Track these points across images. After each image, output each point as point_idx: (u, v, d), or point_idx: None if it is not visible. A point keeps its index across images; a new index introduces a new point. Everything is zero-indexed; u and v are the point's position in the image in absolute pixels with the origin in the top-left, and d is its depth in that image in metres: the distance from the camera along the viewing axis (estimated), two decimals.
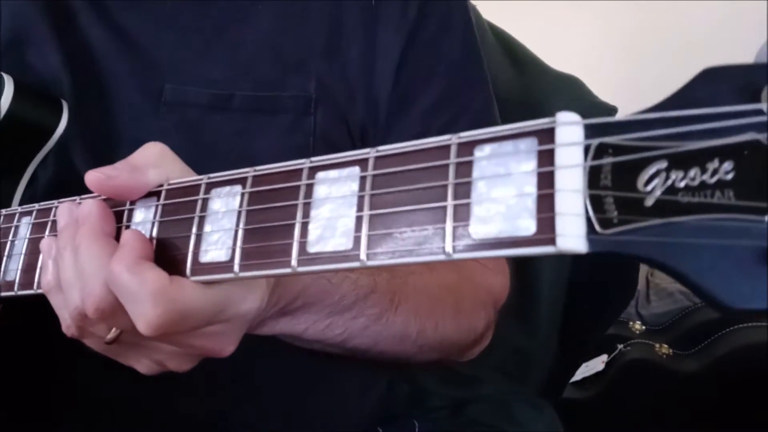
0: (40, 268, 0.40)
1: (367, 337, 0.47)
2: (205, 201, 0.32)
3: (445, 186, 0.21)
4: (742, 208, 0.16)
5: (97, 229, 0.35)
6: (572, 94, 0.81)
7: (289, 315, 0.41)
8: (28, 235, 0.44)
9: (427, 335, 0.50)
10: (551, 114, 0.76)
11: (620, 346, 1.21)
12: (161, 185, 0.35)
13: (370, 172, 0.24)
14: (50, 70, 0.56)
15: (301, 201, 0.27)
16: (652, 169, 0.17)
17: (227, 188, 0.32)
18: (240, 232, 0.29)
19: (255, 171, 0.30)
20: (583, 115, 0.76)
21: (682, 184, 0.17)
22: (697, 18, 1.76)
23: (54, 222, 0.41)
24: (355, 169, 0.25)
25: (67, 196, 0.44)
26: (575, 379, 1.18)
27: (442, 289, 0.52)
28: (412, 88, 0.56)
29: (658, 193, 0.17)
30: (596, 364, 1.18)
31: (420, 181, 0.22)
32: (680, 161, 0.17)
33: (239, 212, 0.30)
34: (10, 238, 0.45)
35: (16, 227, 0.45)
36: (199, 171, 0.47)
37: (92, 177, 0.35)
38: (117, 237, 0.36)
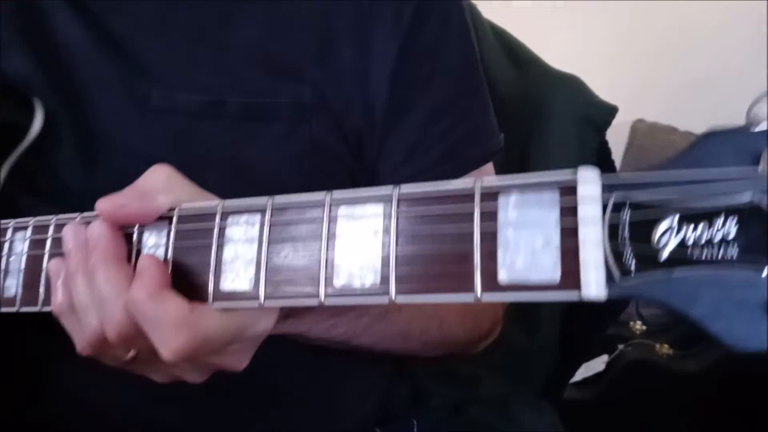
0: (44, 288, 0.41)
1: (370, 335, 0.49)
2: (223, 229, 0.34)
3: (471, 231, 0.23)
4: (744, 262, 0.19)
5: (110, 253, 0.36)
6: (573, 93, 0.83)
7: (293, 317, 0.43)
8: (25, 251, 0.44)
9: (432, 333, 0.53)
10: (551, 113, 0.77)
11: (621, 347, 1.24)
12: (172, 209, 0.36)
13: (394, 211, 0.26)
14: (23, 72, 0.55)
15: (324, 233, 0.29)
16: (664, 225, 0.20)
17: (245, 216, 0.33)
18: (263, 262, 0.31)
19: (274, 202, 0.32)
20: (583, 114, 0.77)
21: (691, 240, 0.19)
22: (697, 18, 1.78)
23: (54, 239, 0.42)
24: (379, 207, 0.27)
25: (53, 204, 0.45)
26: (575, 379, 1.21)
27: None
28: (409, 95, 0.55)
29: (671, 247, 0.20)
30: (596, 365, 1.21)
31: (445, 223, 0.24)
32: (690, 218, 0.19)
33: (260, 242, 0.31)
34: (5, 252, 0.46)
35: (11, 242, 0.46)
36: (191, 179, 0.46)
37: (103, 207, 0.37)
38: (127, 259, 0.37)
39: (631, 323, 1.31)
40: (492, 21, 0.84)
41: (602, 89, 0.81)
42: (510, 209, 0.22)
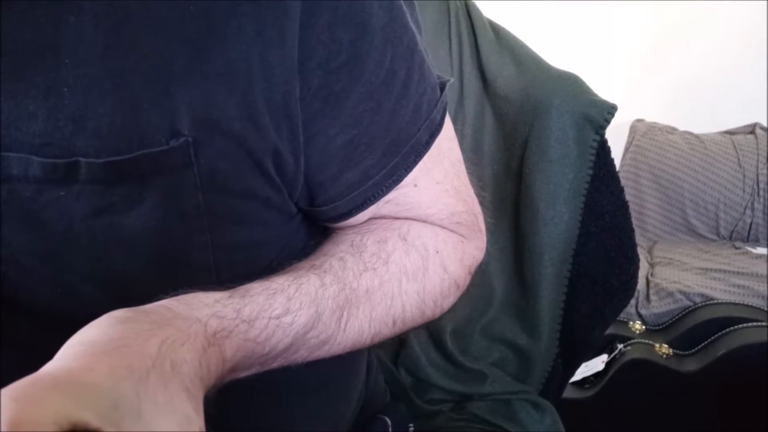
0: None
1: (313, 358, 0.45)
2: None
3: None
4: None
5: None
6: (572, 91, 0.84)
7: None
8: None
9: (384, 334, 0.49)
10: (551, 111, 0.78)
11: (620, 346, 1.25)
12: None
13: None
14: None
15: None
16: None
17: None
18: None
19: None
20: (583, 113, 0.78)
21: None
22: (697, 18, 1.80)
23: None
24: None
25: None
26: (575, 379, 1.23)
27: (404, 279, 0.49)
28: (332, 82, 0.43)
29: None
30: (596, 364, 1.22)
31: None
32: None
33: None
34: None
35: None
36: (52, 264, 0.40)
37: None
38: None
39: (631, 323, 1.32)
40: (492, 19, 0.85)
41: (602, 88, 0.82)
42: None
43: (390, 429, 0.65)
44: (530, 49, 0.86)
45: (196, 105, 0.39)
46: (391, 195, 0.49)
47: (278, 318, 0.41)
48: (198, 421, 0.32)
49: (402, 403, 0.74)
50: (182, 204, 0.41)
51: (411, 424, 0.69)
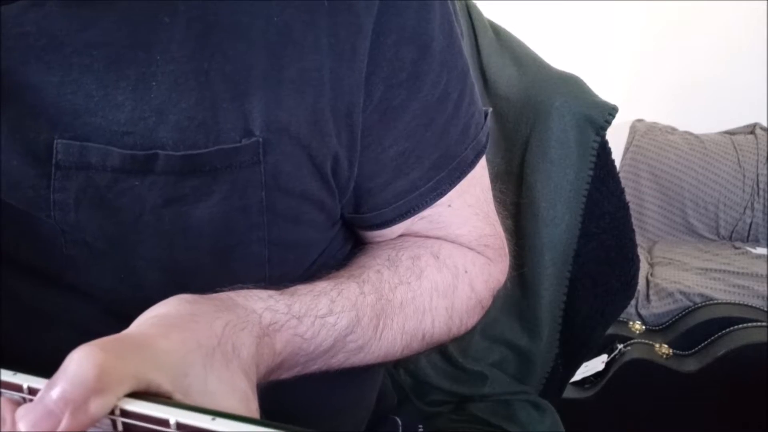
0: None
1: (348, 365, 0.47)
2: None
3: None
4: None
5: None
6: (573, 92, 0.83)
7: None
8: None
9: (413, 347, 0.50)
10: (551, 112, 0.77)
11: (620, 346, 1.25)
12: (113, 412, 0.29)
13: None
14: None
15: None
16: None
17: None
18: None
19: None
20: (584, 114, 0.78)
21: None
22: (697, 18, 1.80)
23: None
24: None
25: None
26: (575, 379, 1.23)
27: (435, 294, 0.51)
28: (393, 97, 0.46)
29: None
30: (596, 364, 1.22)
31: None
32: None
33: None
34: None
35: None
36: (120, 249, 0.42)
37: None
38: None
39: (631, 323, 1.32)
40: (492, 20, 0.85)
41: (602, 89, 0.82)
42: None
43: (400, 429, 0.66)
44: (531, 50, 0.86)
45: (269, 108, 0.42)
46: (427, 212, 0.51)
47: (323, 317, 0.43)
48: (254, 401, 0.34)
49: (411, 404, 0.74)
50: (246, 200, 0.43)
51: (420, 425, 0.69)
